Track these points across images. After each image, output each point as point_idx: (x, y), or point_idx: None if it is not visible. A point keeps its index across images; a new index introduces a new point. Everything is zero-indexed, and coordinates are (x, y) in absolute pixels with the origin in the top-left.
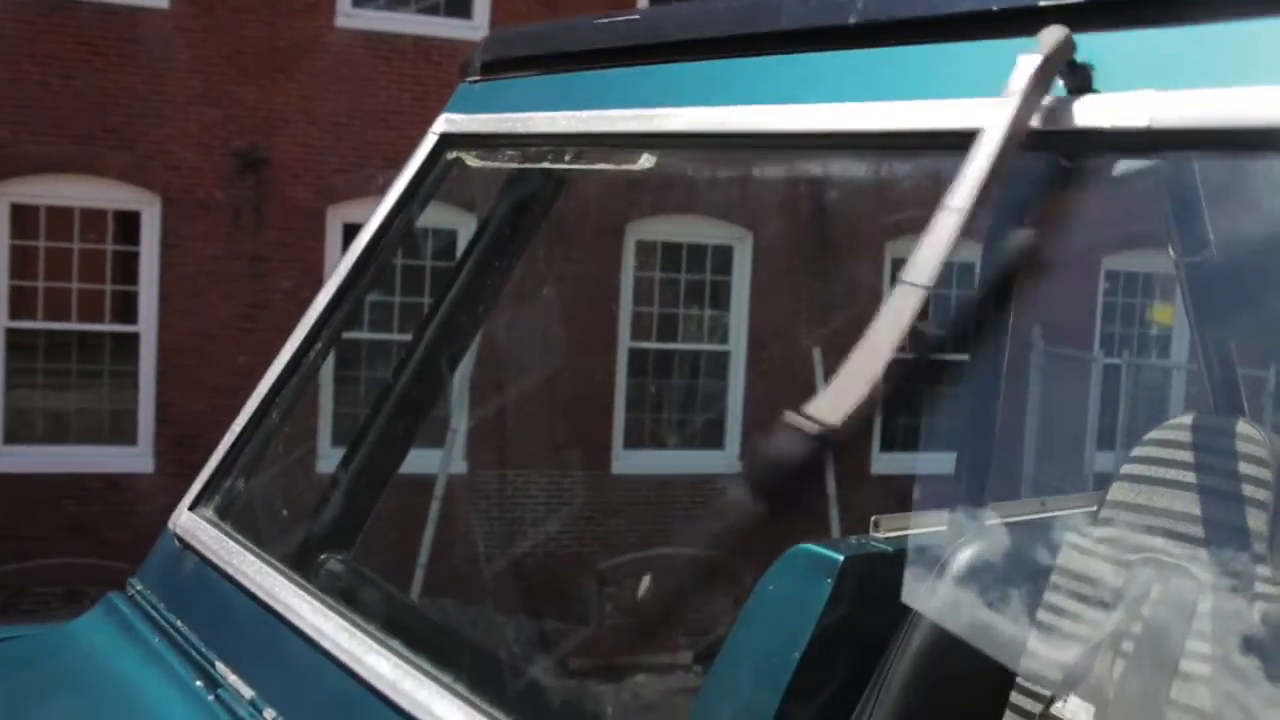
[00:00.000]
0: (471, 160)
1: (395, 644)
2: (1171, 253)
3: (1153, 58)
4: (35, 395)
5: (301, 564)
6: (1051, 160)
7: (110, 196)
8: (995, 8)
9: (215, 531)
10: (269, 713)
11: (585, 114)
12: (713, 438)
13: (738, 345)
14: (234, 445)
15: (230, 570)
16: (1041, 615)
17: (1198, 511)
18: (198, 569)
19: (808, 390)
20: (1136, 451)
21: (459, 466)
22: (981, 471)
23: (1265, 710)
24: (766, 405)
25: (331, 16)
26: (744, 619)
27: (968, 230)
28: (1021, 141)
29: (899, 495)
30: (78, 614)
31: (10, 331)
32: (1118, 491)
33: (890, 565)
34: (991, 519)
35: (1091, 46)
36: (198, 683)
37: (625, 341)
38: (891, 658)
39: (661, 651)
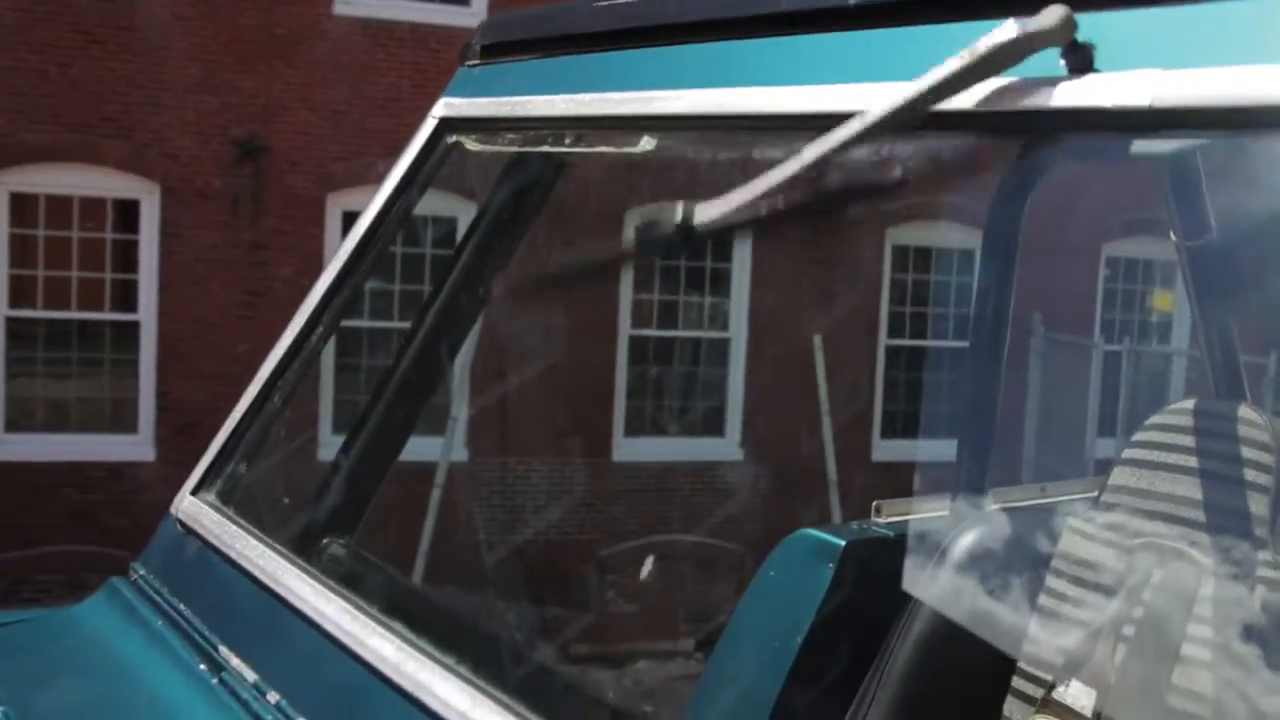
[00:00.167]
0: (471, 144)
1: (398, 627)
2: (1173, 235)
3: (1155, 36)
4: (36, 384)
5: (304, 548)
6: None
7: (109, 185)
8: None
9: (217, 516)
10: (272, 695)
11: (585, 97)
12: (713, 425)
13: (738, 332)
14: (236, 430)
15: (233, 554)
16: (1043, 600)
17: (1199, 496)
18: (200, 553)
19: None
20: (1138, 436)
21: (459, 454)
22: (983, 458)
23: (1267, 694)
24: (767, 392)
25: (330, 4)
26: (746, 604)
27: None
28: (909, 121)
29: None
30: (80, 601)
31: (10, 320)
32: (1119, 476)
33: (892, 550)
34: (993, 504)
35: (1093, 26)
36: (201, 666)
37: (625, 329)
38: (893, 642)
39: (663, 637)
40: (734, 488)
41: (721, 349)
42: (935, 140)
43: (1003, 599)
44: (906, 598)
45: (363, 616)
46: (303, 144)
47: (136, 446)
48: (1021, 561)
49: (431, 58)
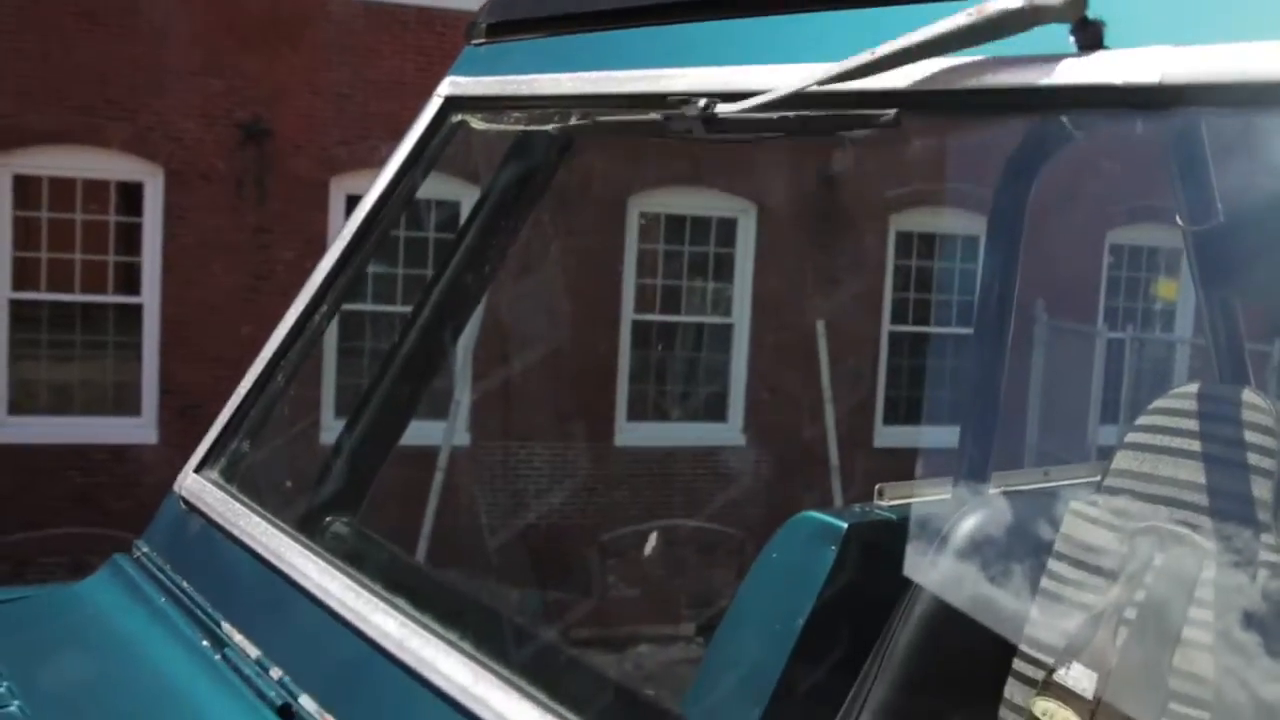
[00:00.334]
0: (476, 123)
1: (401, 603)
2: (1179, 219)
3: (1166, 11)
4: (39, 366)
5: (307, 526)
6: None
7: (113, 167)
8: None
9: (221, 493)
10: (275, 672)
11: (591, 75)
12: (716, 410)
13: (741, 318)
14: (239, 408)
15: (236, 531)
16: (1045, 583)
17: (1202, 480)
18: (203, 530)
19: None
20: (1142, 421)
21: (462, 438)
22: (986, 443)
23: (1267, 678)
24: (770, 378)
25: None
26: (748, 586)
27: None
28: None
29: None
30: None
31: (14, 303)
32: (1122, 460)
33: (894, 533)
34: (995, 488)
35: (1103, 2)
36: (204, 642)
37: (629, 314)
38: (895, 624)
39: (665, 621)
40: (737, 473)
41: (724, 334)
42: (942, 117)
43: (1004, 582)
44: (908, 580)
45: (365, 593)
46: (306, 127)
47: (139, 429)
48: (1023, 545)
49: (436, 41)
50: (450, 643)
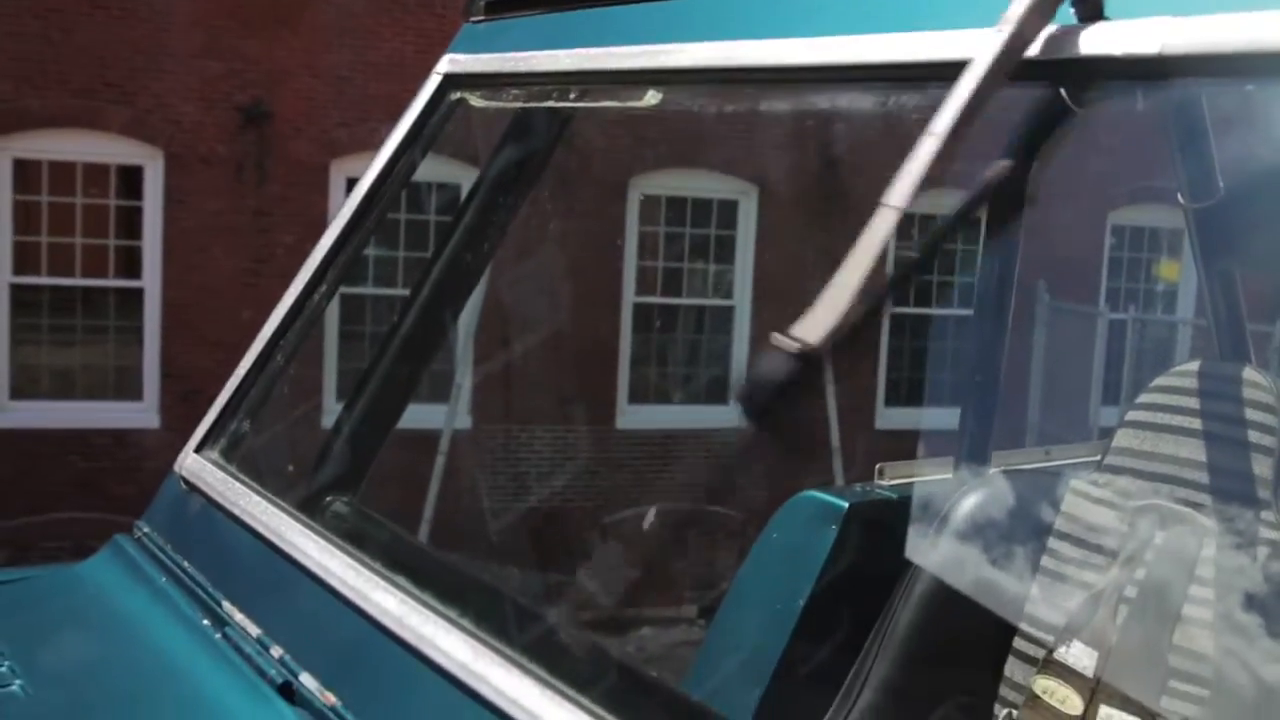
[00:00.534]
0: (475, 100)
1: (401, 581)
2: (1179, 196)
3: None
4: (40, 351)
5: (307, 506)
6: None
7: (113, 151)
8: None
9: (221, 473)
10: (276, 650)
11: (590, 51)
12: (717, 393)
13: (742, 300)
14: (239, 388)
15: (236, 511)
16: (1046, 561)
17: (1203, 458)
18: (204, 510)
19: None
20: (1142, 399)
21: (464, 421)
22: (987, 424)
23: (1268, 655)
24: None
25: None
26: (749, 566)
27: (949, 157)
28: (1013, 70)
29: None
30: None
31: (15, 287)
32: (1123, 439)
33: (895, 512)
34: (996, 467)
35: None
36: (204, 621)
37: (630, 296)
38: (896, 603)
39: (667, 604)
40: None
41: (726, 316)
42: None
43: (1005, 561)
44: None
45: (366, 571)
46: (306, 110)
47: (141, 413)
48: (1024, 524)
49: (436, 23)
50: (450, 620)
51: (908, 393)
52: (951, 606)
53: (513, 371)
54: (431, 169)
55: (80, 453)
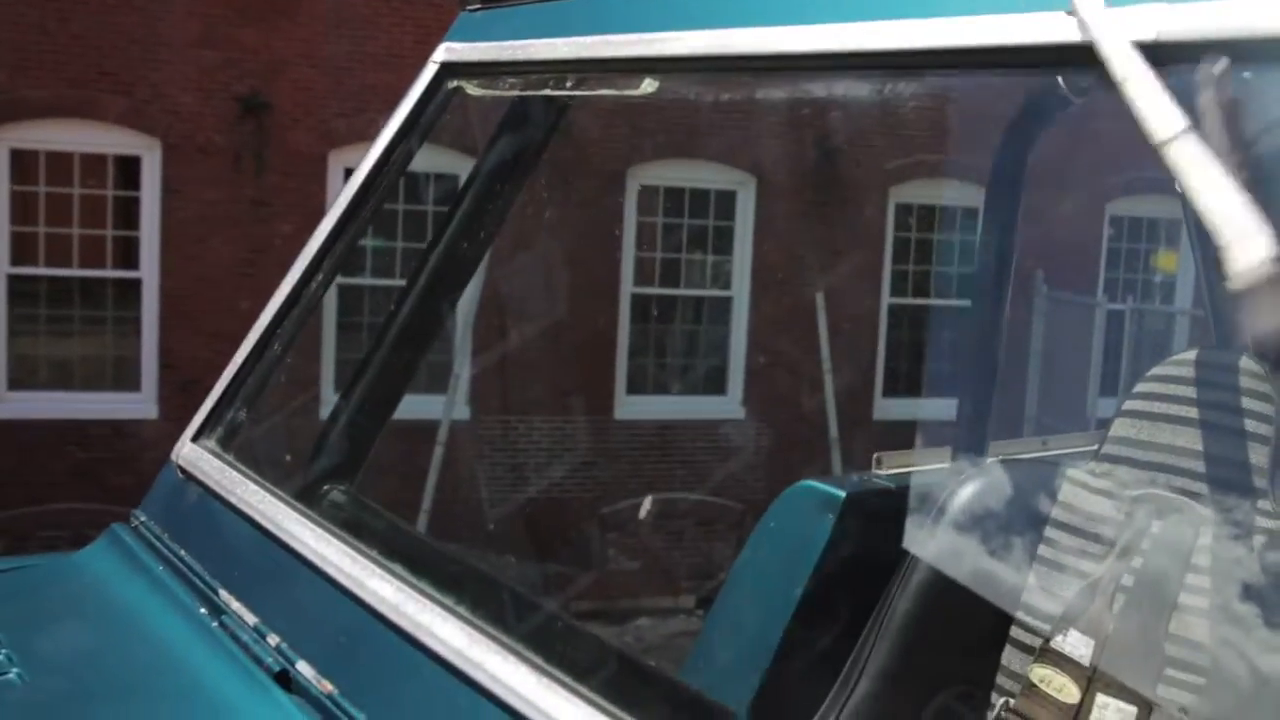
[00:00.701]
0: (472, 89)
1: (397, 569)
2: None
3: None
4: (38, 342)
5: (304, 494)
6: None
7: (110, 141)
8: None
9: (218, 462)
10: (272, 638)
11: (587, 39)
12: (715, 383)
13: (740, 290)
14: (236, 377)
15: (233, 500)
16: (1043, 551)
17: (1199, 447)
18: (201, 499)
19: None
20: (1139, 388)
21: (462, 412)
22: (984, 414)
23: (1264, 643)
24: (769, 350)
25: None
26: (747, 555)
27: None
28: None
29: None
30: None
31: (12, 278)
32: (1120, 428)
33: (892, 501)
34: (993, 457)
35: None
36: (201, 610)
37: (628, 287)
38: (893, 591)
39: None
40: (736, 446)
41: (724, 307)
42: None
43: (1002, 551)
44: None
45: (362, 560)
46: (304, 100)
47: (139, 404)
48: (1021, 513)
49: (435, 13)
50: (446, 607)
51: (906, 383)
52: (949, 596)
53: (511, 362)
54: (428, 158)
55: (78, 443)
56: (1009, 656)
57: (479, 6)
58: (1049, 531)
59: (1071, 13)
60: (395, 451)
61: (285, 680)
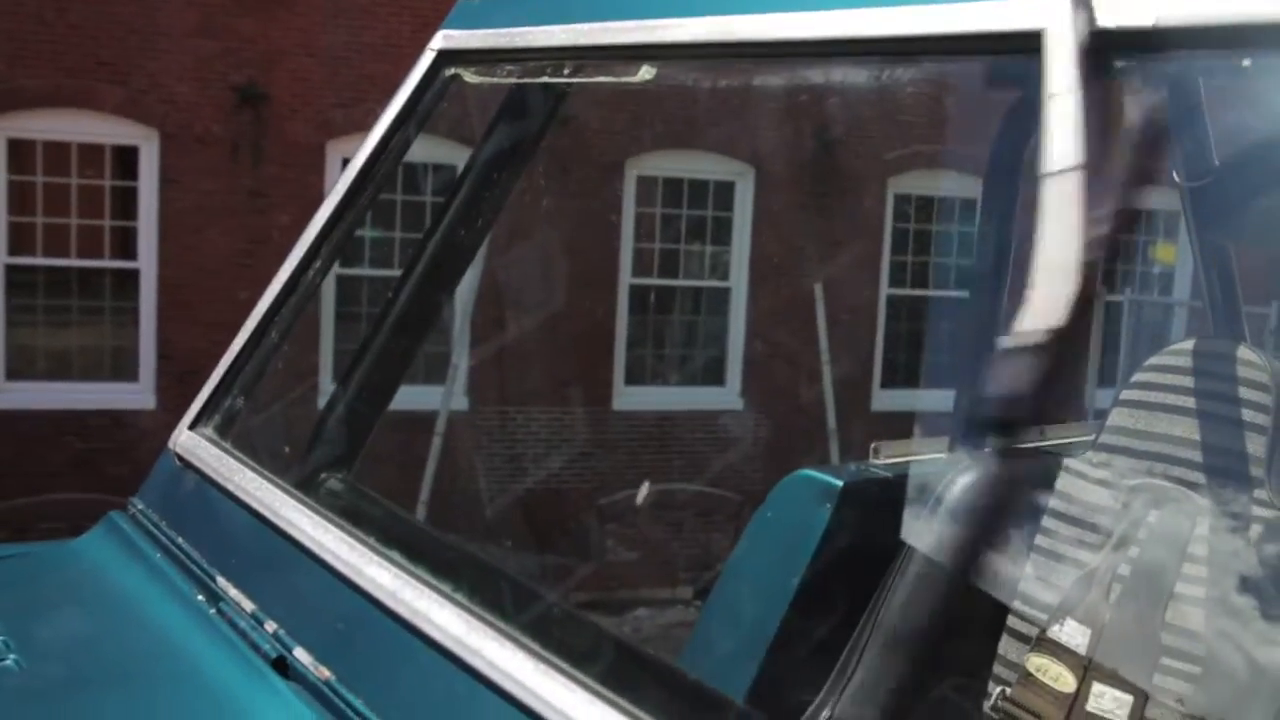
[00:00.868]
0: (470, 77)
1: (395, 556)
2: (1174, 174)
3: None
4: (36, 332)
5: (301, 482)
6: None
7: (107, 131)
8: None
9: (215, 450)
10: (270, 625)
11: (585, 26)
12: (714, 374)
13: (739, 281)
14: (233, 364)
15: (231, 487)
16: (1039, 541)
17: (1197, 437)
18: (198, 487)
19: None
20: (1137, 377)
21: (460, 403)
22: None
23: (1260, 632)
24: (767, 342)
25: None
26: (744, 544)
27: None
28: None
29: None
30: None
31: (10, 268)
32: (1117, 417)
33: (889, 490)
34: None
35: None
36: (199, 597)
37: (626, 278)
38: (890, 581)
39: (662, 585)
40: (734, 437)
41: (722, 298)
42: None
43: (999, 540)
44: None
45: (359, 547)
46: (302, 90)
47: (137, 394)
48: (1018, 503)
49: (432, 3)
50: (444, 594)
51: (904, 374)
52: (946, 585)
53: (509, 353)
54: (425, 147)
55: (77, 434)
56: (1006, 646)
57: None
58: (1046, 521)
59: None
60: (393, 442)
61: (283, 667)
